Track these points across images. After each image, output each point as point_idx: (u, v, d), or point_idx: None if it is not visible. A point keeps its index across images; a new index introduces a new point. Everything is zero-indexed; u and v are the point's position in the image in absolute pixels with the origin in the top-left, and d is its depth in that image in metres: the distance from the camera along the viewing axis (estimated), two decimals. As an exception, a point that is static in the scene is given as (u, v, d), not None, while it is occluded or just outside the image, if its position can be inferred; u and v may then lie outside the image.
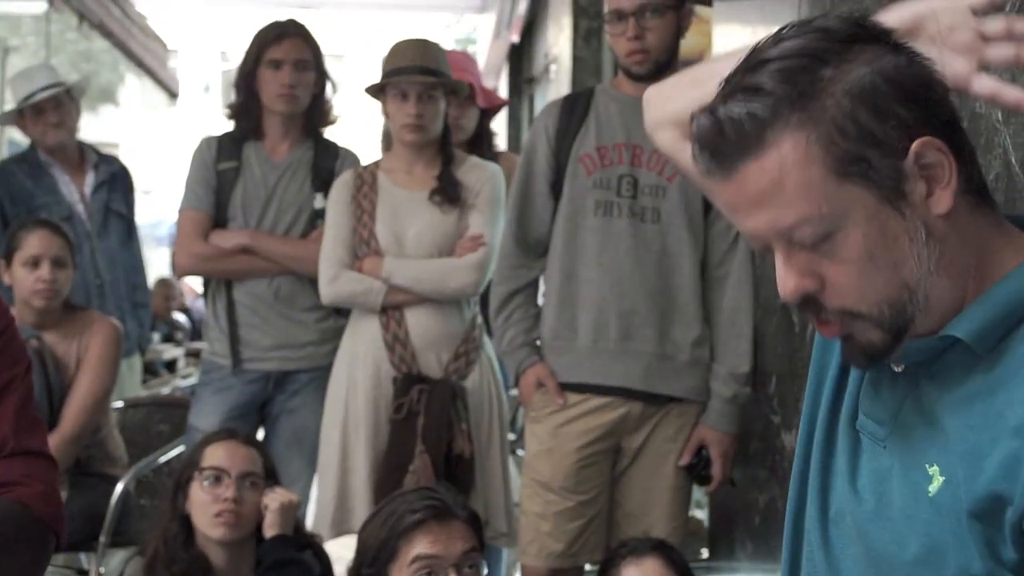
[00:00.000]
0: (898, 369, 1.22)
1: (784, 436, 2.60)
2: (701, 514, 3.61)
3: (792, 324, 2.59)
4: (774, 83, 1.13)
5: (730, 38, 3.24)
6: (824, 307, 1.19)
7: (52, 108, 4.31)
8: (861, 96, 1.13)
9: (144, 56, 9.42)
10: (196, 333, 9.09)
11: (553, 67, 7.48)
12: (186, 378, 6.97)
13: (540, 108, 8.89)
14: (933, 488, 1.15)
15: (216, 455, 2.69)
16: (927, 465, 1.16)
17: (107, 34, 8.40)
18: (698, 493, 3.29)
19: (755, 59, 1.16)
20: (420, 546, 2.21)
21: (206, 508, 2.63)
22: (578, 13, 6.52)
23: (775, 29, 2.85)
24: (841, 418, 1.32)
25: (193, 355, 7.97)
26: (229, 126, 3.72)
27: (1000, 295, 1.16)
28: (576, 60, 6.54)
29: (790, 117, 1.13)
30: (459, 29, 17.16)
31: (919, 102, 1.14)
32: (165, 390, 5.92)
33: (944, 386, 1.18)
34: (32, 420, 1.60)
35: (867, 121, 1.12)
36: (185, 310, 9.38)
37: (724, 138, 1.15)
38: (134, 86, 19.88)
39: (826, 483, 1.32)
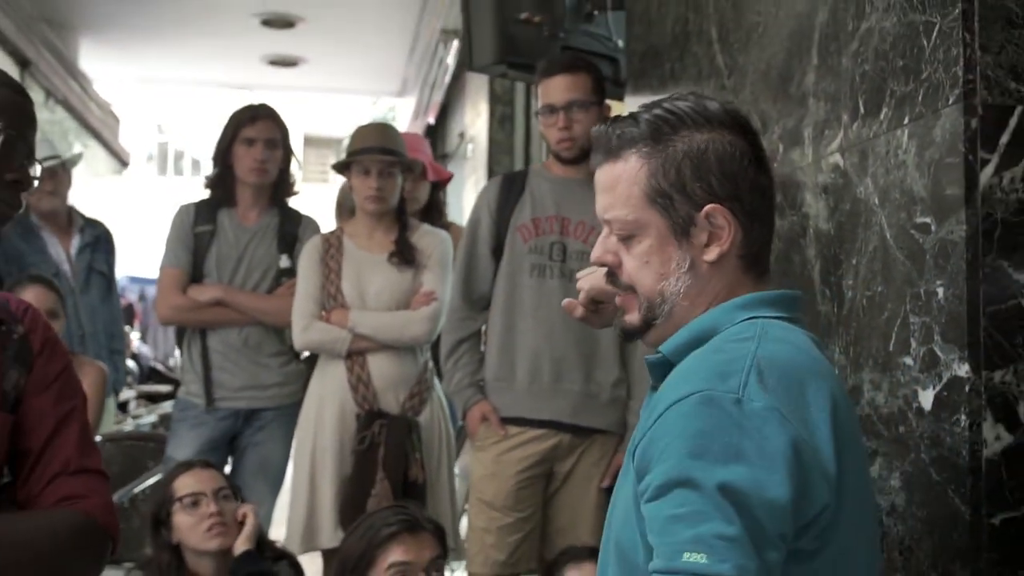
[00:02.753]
0: (656, 386, 1.43)
1: (691, 461, 2.71)
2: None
3: None
4: (646, 122, 1.39)
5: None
6: (618, 279, 1.44)
7: (48, 177, 4.30)
8: (691, 157, 1.37)
9: (101, 129, 9.37)
10: (144, 377, 9.01)
11: (470, 146, 7.64)
12: (137, 418, 6.92)
13: (453, 181, 9.04)
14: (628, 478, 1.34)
15: (187, 483, 2.75)
16: (631, 461, 1.33)
17: (69, 109, 8.36)
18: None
19: (657, 102, 1.43)
20: (395, 554, 2.32)
21: (196, 528, 2.68)
22: (494, 100, 6.67)
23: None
24: None
25: (143, 397, 7.90)
26: (197, 194, 3.80)
27: (693, 324, 1.38)
28: (492, 141, 6.68)
29: (642, 147, 1.39)
30: (377, 110, 17.16)
31: (731, 178, 1.37)
32: (127, 427, 5.89)
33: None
34: (90, 443, 1.65)
35: (685, 175, 1.37)
36: (134, 356, 9.29)
37: (603, 142, 1.43)
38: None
39: None
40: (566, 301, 1.74)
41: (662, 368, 1.40)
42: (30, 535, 1.52)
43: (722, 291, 1.40)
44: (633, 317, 1.44)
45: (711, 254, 1.38)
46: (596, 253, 1.46)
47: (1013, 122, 1.51)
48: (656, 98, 3.18)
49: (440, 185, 4.22)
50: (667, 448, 1.22)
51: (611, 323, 1.72)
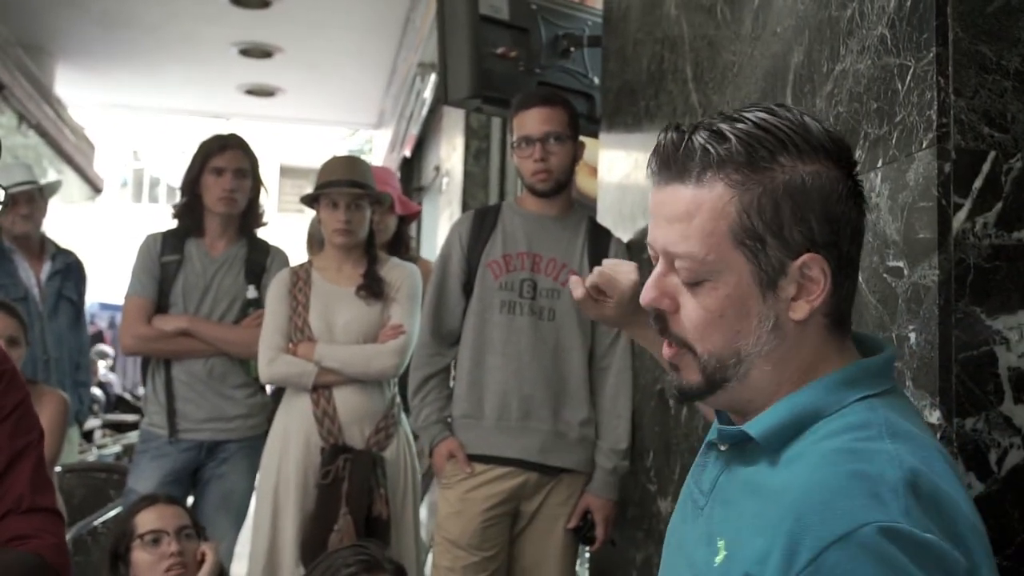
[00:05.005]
0: (723, 448, 1.24)
1: (659, 502, 2.66)
2: (580, 569, 3.67)
3: (667, 407, 2.66)
4: (738, 140, 1.13)
5: (614, 162, 3.41)
6: (669, 329, 1.21)
7: (25, 202, 4.31)
8: (792, 193, 1.13)
9: (75, 155, 9.30)
10: (110, 406, 8.89)
11: (445, 179, 7.62)
12: (102, 447, 6.81)
13: (428, 214, 9.02)
14: (718, 560, 1.13)
15: (149, 519, 2.67)
16: (718, 538, 1.15)
17: (43, 134, 8.30)
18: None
19: (743, 111, 1.17)
20: (354, 595, 2.26)
21: (154, 567, 2.60)
22: (469, 134, 6.65)
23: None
24: (683, 493, 1.34)
25: (109, 426, 7.78)
26: (167, 222, 3.75)
27: (790, 405, 1.16)
28: (467, 174, 6.66)
29: (732, 173, 1.13)
30: (354, 141, 17.20)
31: (833, 222, 1.14)
32: (90, 458, 5.79)
33: (746, 469, 1.19)
34: (44, 481, 1.60)
35: (784, 215, 1.13)
36: (100, 384, 9.17)
37: (676, 155, 1.16)
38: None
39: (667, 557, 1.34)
40: (573, 277, 1.62)
41: (738, 439, 1.20)
42: None
43: (808, 355, 1.18)
44: (693, 377, 1.20)
45: (799, 312, 1.15)
46: (649, 295, 1.21)
47: (986, 167, 1.49)
48: (628, 136, 3.18)
49: (407, 219, 4.20)
50: None
51: (606, 318, 1.64)
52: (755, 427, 1.17)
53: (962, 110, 1.49)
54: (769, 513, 1.08)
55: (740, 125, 1.15)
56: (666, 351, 1.23)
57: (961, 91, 1.49)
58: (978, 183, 1.49)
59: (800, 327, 1.17)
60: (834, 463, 1.07)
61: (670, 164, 1.17)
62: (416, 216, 4.38)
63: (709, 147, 1.14)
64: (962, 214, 1.48)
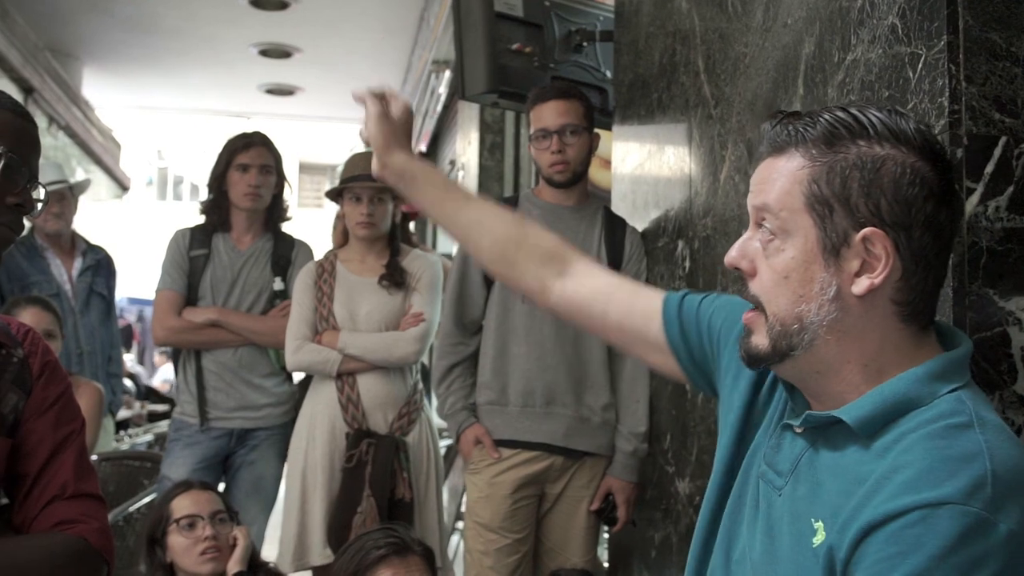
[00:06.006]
0: (799, 430, 1.27)
1: (677, 483, 2.65)
2: (599, 549, 3.67)
3: (683, 391, 2.65)
4: (824, 123, 1.21)
5: (627, 154, 3.40)
6: (750, 290, 1.27)
7: (56, 200, 4.32)
8: (862, 169, 1.18)
9: (102, 155, 9.32)
10: (140, 396, 8.91)
11: (461, 173, 7.62)
12: (134, 436, 6.82)
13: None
14: (817, 540, 1.15)
15: (184, 504, 2.70)
16: (812, 519, 1.17)
17: (72, 135, 8.32)
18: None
19: (846, 104, 1.27)
20: (383, 576, 2.28)
21: (190, 550, 2.63)
22: (484, 129, 6.64)
23: (667, 147, 2.97)
24: (752, 473, 1.35)
25: (150, 413, 7.82)
26: (195, 218, 3.76)
27: (883, 394, 1.17)
28: (482, 168, 6.67)
29: (811, 148, 1.21)
30: (371, 137, 17.08)
31: (904, 205, 1.17)
32: (123, 446, 5.81)
33: (833, 451, 1.21)
34: (87, 467, 1.61)
35: (852, 187, 1.18)
36: (131, 376, 9.20)
37: (775, 134, 1.26)
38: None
39: (733, 529, 1.35)
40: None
41: (825, 423, 1.22)
42: (25, 559, 1.49)
43: (875, 339, 1.20)
44: (761, 341, 1.25)
45: (860, 286, 1.17)
46: (731, 255, 1.27)
47: (997, 152, 1.48)
48: (641, 127, 3.16)
49: (409, 216, 4.19)
50: (915, 566, 1.04)
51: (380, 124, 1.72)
52: (848, 414, 1.18)
53: (973, 96, 1.48)
54: (858, 492, 1.12)
55: (838, 113, 1.22)
56: (745, 316, 1.29)
57: (972, 78, 1.48)
58: (990, 168, 1.48)
59: (864, 307, 1.19)
60: (927, 448, 1.10)
61: (767, 143, 1.27)
62: (418, 214, 4.37)
63: (800, 128, 1.23)
64: (974, 198, 1.47)
